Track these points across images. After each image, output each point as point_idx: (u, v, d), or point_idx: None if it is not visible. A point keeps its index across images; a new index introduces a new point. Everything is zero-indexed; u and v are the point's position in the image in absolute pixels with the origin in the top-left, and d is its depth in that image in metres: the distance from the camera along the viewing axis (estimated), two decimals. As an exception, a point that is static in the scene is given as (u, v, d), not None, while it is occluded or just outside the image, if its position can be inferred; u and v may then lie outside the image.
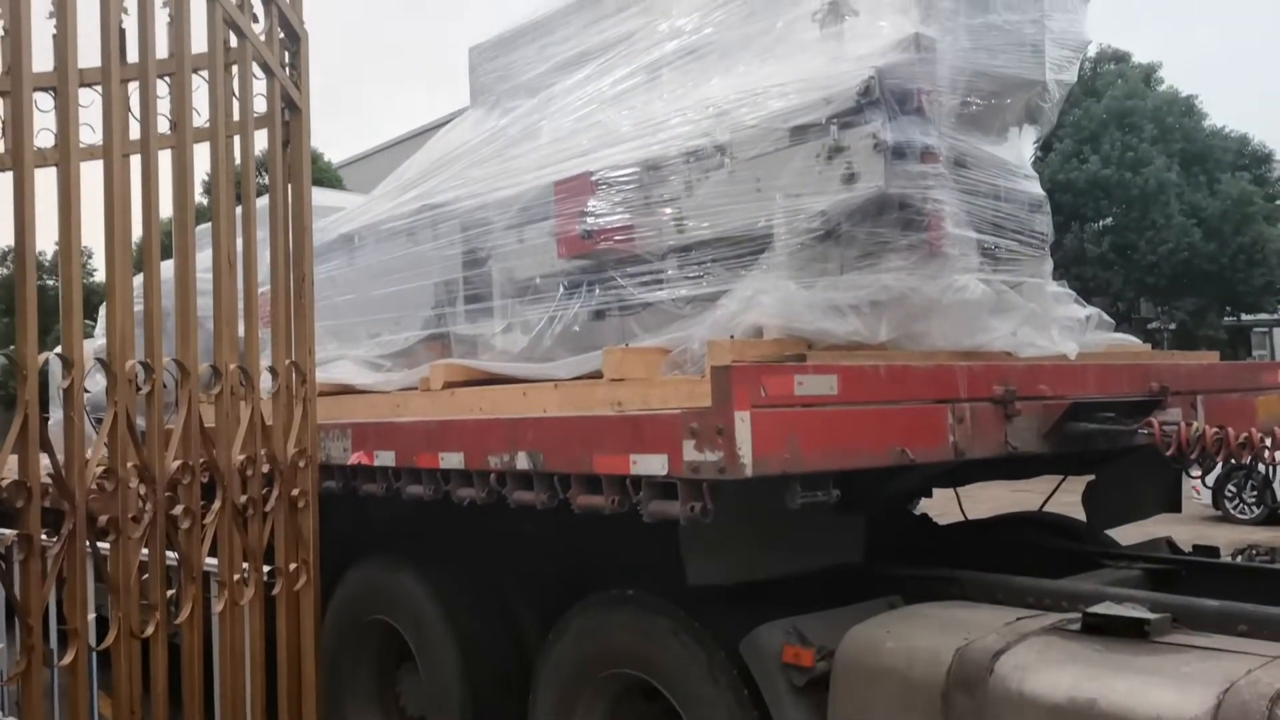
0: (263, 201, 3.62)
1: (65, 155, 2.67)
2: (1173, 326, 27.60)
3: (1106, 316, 4.18)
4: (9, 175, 2.59)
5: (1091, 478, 4.27)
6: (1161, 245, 22.42)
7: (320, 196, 5.54)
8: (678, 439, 2.73)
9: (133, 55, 3.02)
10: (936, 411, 3.06)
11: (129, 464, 2.76)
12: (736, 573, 3.14)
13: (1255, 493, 12.88)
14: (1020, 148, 3.95)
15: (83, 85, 2.85)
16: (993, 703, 2.51)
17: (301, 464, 3.53)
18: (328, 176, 24.30)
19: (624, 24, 4.53)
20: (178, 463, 2.92)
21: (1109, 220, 23.28)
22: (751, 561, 3.14)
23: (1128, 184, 22.30)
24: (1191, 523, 12.20)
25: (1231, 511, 13.10)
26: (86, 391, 2.63)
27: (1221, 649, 2.50)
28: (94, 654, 3.13)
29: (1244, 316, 27.66)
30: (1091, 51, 26.28)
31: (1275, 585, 3.54)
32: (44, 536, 2.59)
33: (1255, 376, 4.24)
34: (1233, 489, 13.11)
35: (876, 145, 3.18)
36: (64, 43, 2.72)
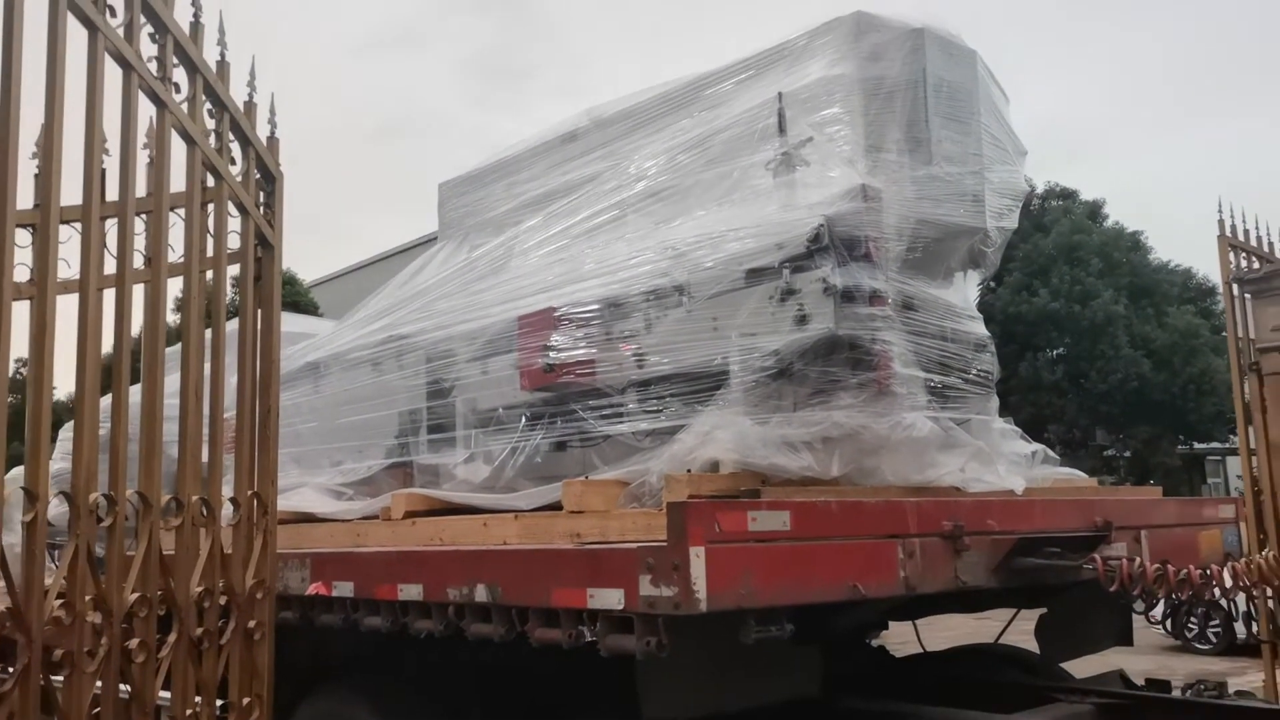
0: (231, 326, 3.71)
1: (42, 290, 2.75)
2: (1128, 454, 28.04)
3: (1051, 452, 4.31)
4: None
5: (1043, 611, 4.34)
6: (1112, 375, 22.98)
7: (290, 322, 5.63)
8: (634, 574, 2.79)
9: (112, 194, 3.14)
10: (887, 547, 3.14)
11: (87, 597, 2.76)
12: (693, 708, 3.15)
13: (1216, 624, 12.97)
14: (965, 290, 4.13)
15: (63, 222, 2.94)
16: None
17: (259, 595, 3.51)
18: (303, 300, 24.43)
19: (589, 166, 4.74)
20: (135, 595, 2.92)
21: (1061, 350, 23.89)
22: (708, 696, 3.16)
23: (1077, 316, 22.96)
24: (1151, 653, 12.22)
25: (1191, 642, 13.15)
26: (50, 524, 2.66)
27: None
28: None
29: (1196, 445, 28.16)
30: (1040, 188, 27.39)
31: (1220, 719, 3.60)
32: (-5, 671, 2.56)
33: (1197, 512, 4.37)
34: (1194, 622, 13.21)
35: (826, 289, 3.34)
36: (48, 180, 2.83)
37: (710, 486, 3.30)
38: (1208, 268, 27.05)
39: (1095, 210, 27.01)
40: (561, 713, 3.61)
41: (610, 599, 2.87)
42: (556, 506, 3.69)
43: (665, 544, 2.74)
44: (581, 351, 3.95)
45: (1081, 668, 4.52)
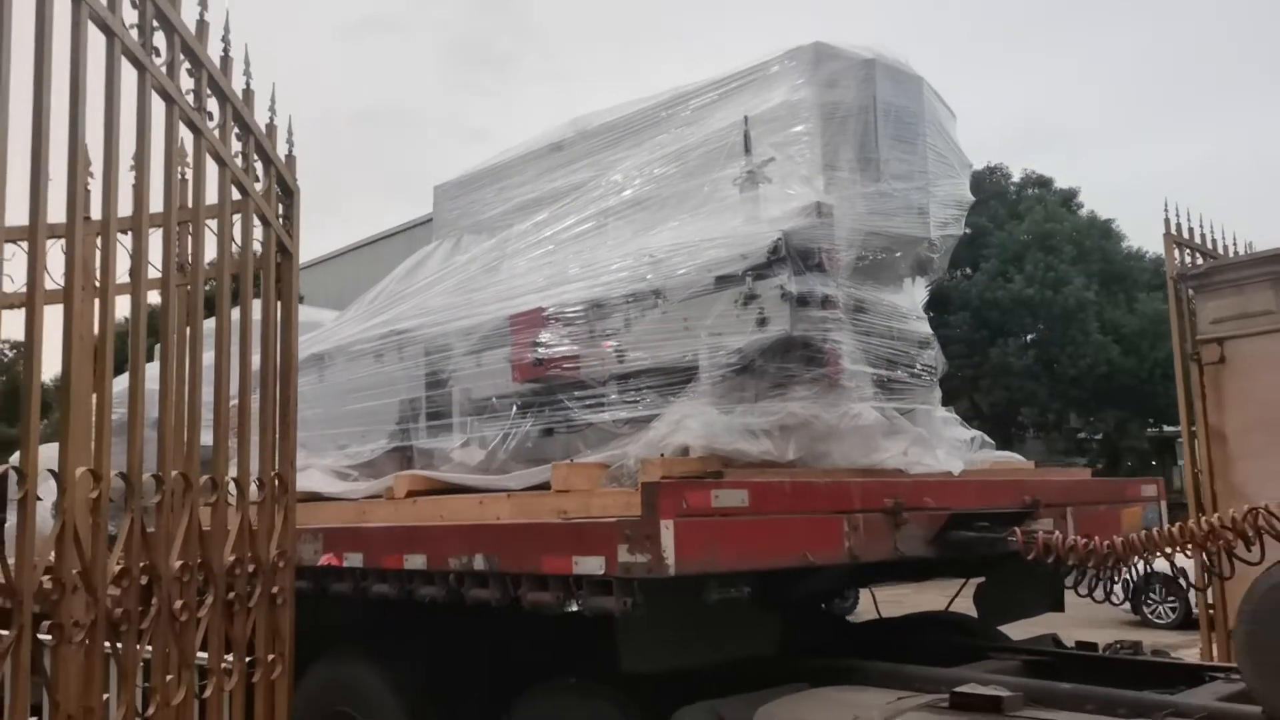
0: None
1: (104, 290, 3.18)
2: (1099, 437, 28.70)
3: (988, 439, 4.78)
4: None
5: (983, 580, 4.82)
6: (1082, 359, 23.56)
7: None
8: (613, 543, 3.25)
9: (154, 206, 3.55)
10: (834, 521, 3.61)
11: (140, 564, 3.19)
12: (665, 662, 3.61)
13: (1173, 600, 13.61)
14: (913, 294, 4.59)
15: (120, 231, 3.37)
16: (873, 767, 3.01)
17: (281, 564, 3.95)
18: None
19: (576, 174, 5.18)
20: (179, 563, 3.36)
21: (1033, 335, 24.45)
22: (678, 651, 3.62)
23: (1050, 302, 23.51)
24: (1112, 626, 12.82)
25: (1149, 616, 13.80)
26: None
27: (1061, 714, 3.03)
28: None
29: (1165, 428, 28.82)
30: (1016, 176, 27.94)
31: (1135, 674, 4.09)
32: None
33: (1120, 491, 4.86)
34: (1153, 598, 13.86)
35: (783, 295, 3.80)
36: (107, 197, 3.25)
37: (681, 469, 3.76)
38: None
39: (1069, 199, 27.57)
40: (546, 670, 4.07)
41: (592, 565, 3.33)
42: (545, 486, 4.14)
43: (640, 518, 3.20)
44: (567, 347, 4.39)
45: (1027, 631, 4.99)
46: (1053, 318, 23.88)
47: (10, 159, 2.66)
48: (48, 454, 3.29)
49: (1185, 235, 7.33)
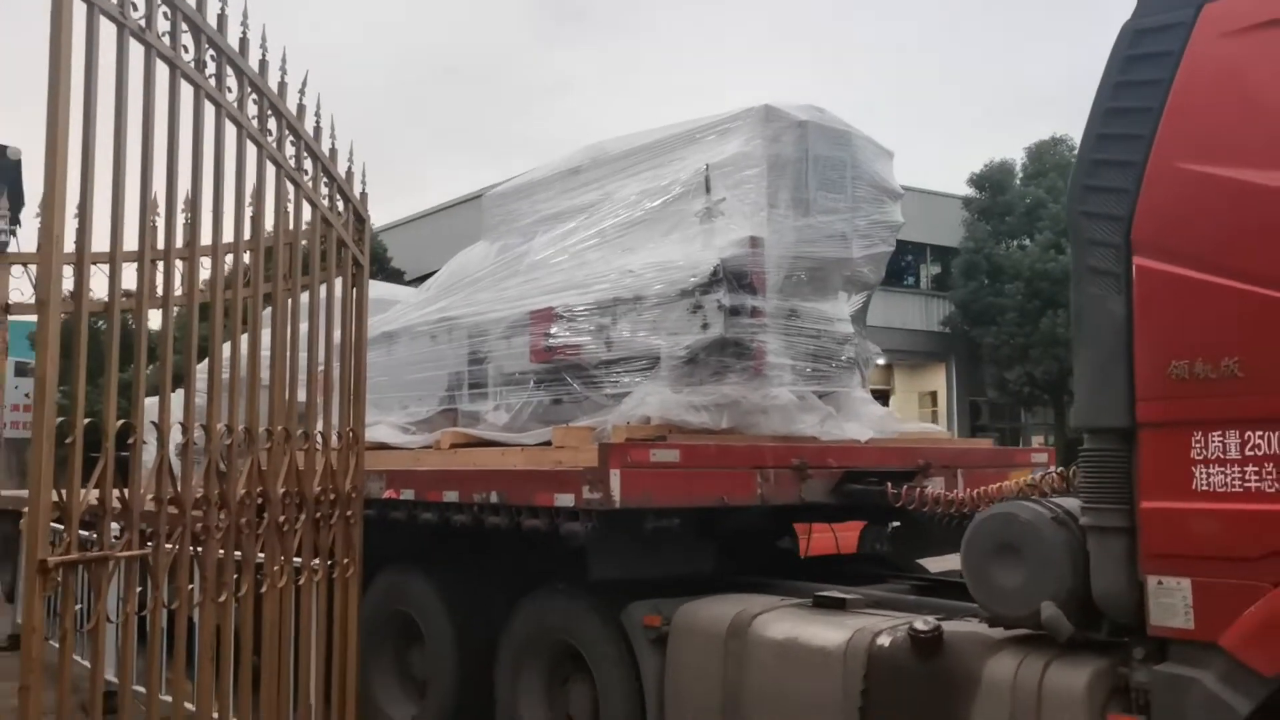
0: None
1: (213, 294, 4.64)
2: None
3: (897, 415, 6.04)
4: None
5: (896, 524, 6.10)
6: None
7: (376, 290, 7.61)
8: (579, 485, 4.65)
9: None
10: (749, 474, 4.95)
11: (258, 489, 4.68)
12: (622, 572, 4.99)
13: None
14: (841, 304, 5.84)
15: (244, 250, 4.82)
16: (748, 643, 4.37)
17: (353, 495, 5.43)
18: (374, 248, 26.27)
19: (587, 196, 6.51)
20: (282, 491, 4.84)
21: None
22: (631, 566, 4.99)
23: (1100, 274, 24.11)
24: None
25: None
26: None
27: (880, 615, 4.33)
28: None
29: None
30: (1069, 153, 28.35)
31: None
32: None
33: (1009, 457, 6.09)
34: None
35: (720, 306, 5.12)
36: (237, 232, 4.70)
37: (641, 434, 5.12)
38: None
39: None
40: (539, 577, 5.49)
41: (567, 500, 4.74)
42: (549, 444, 5.55)
43: (596, 468, 4.58)
44: (570, 338, 5.77)
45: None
46: (1103, 290, 24.50)
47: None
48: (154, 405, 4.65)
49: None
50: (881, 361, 6.28)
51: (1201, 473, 3.19)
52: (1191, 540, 3.21)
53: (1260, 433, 3.09)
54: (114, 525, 3.92)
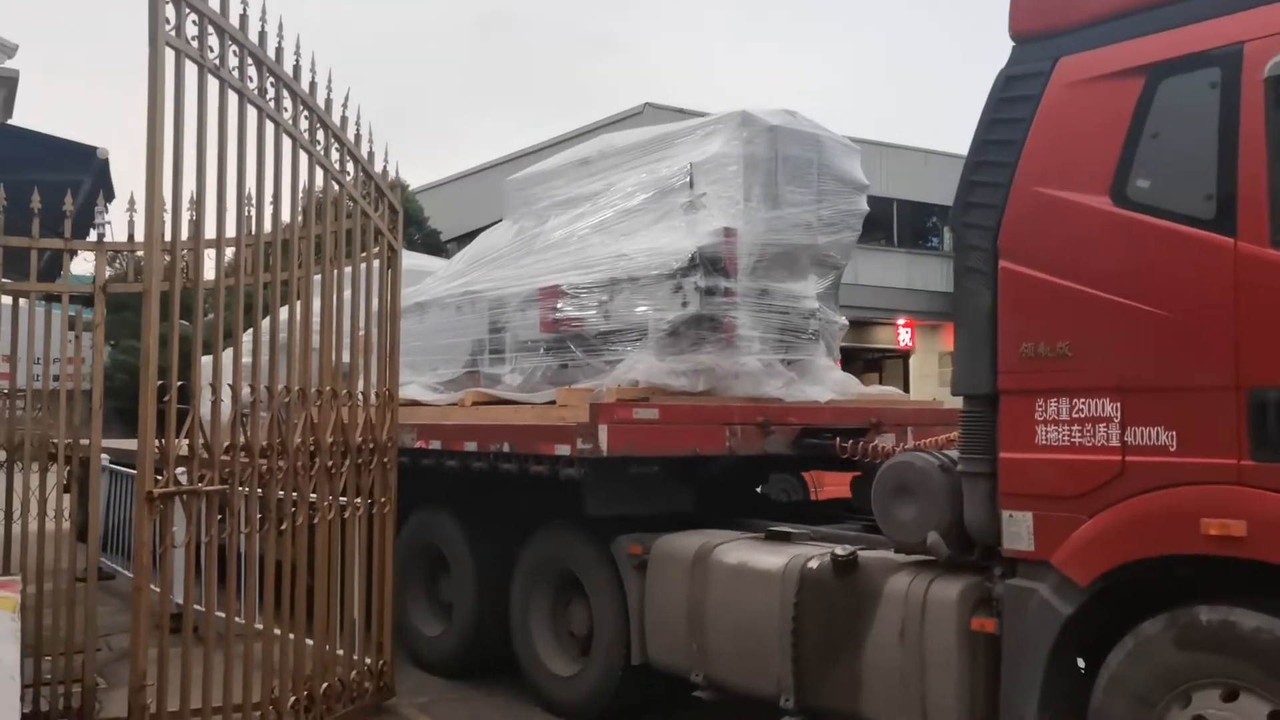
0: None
1: (272, 279, 5.62)
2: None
3: (855, 379, 6.94)
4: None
5: (857, 474, 7.01)
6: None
7: (411, 260, 8.60)
8: (574, 437, 5.62)
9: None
10: (719, 430, 5.90)
11: (309, 438, 5.69)
12: (613, 510, 5.96)
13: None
14: (810, 284, 6.72)
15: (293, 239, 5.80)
16: (709, 567, 5.34)
17: (389, 444, 6.44)
18: (410, 207, 27.21)
19: (593, 185, 7.41)
20: (330, 440, 5.85)
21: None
22: (620, 504, 5.95)
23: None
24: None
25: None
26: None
27: (819, 544, 5.27)
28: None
29: None
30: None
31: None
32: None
33: (956, 417, 6.94)
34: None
35: (697, 288, 6.03)
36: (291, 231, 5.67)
37: (630, 395, 6.05)
38: None
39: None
40: (544, 514, 6.49)
41: (564, 449, 5.71)
42: (554, 403, 6.51)
43: (588, 423, 5.55)
44: (574, 312, 6.71)
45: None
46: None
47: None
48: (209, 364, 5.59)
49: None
50: (841, 327, 7.16)
51: (1041, 431, 4.10)
52: (1033, 482, 4.12)
53: (1083, 400, 3.99)
54: (179, 470, 4.89)
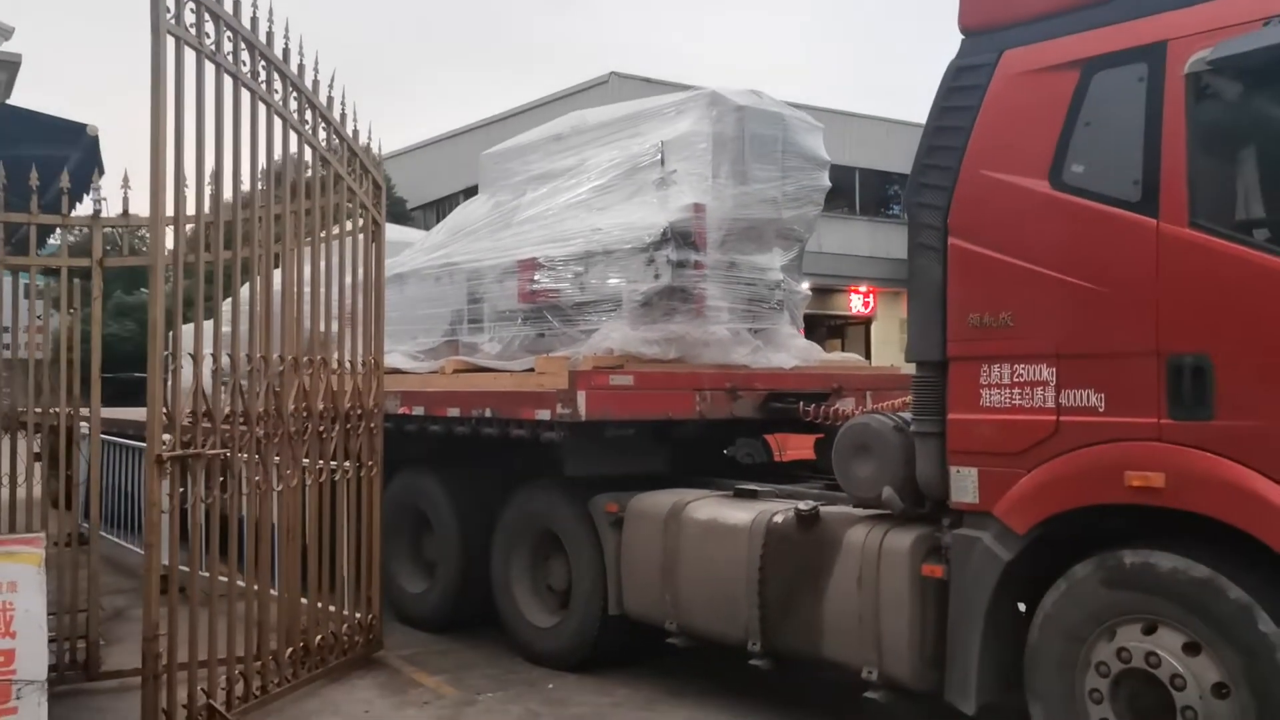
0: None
1: (268, 250, 5.90)
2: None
3: (818, 346, 7.33)
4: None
5: (819, 436, 7.41)
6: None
7: (390, 233, 8.85)
8: (554, 403, 5.97)
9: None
10: (690, 395, 6.27)
11: (301, 405, 5.99)
12: (590, 470, 6.32)
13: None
14: (775, 256, 7.07)
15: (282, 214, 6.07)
16: (682, 523, 5.73)
17: (375, 410, 6.76)
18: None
19: (566, 160, 7.71)
20: (321, 406, 6.15)
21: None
22: (597, 464, 6.32)
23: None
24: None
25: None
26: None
27: (781, 501, 5.66)
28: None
29: None
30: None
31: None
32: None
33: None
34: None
35: (668, 261, 6.38)
36: (283, 204, 5.94)
37: (605, 363, 6.39)
38: None
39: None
40: (524, 474, 6.84)
41: (544, 414, 6.06)
42: (532, 370, 6.84)
43: (567, 389, 5.89)
44: (550, 284, 7.03)
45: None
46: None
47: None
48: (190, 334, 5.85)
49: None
50: (805, 293, 7.53)
51: (985, 394, 4.49)
52: (978, 441, 4.53)
53: (1023, 366, 4.39)
54: (165, 436, 5.15)
